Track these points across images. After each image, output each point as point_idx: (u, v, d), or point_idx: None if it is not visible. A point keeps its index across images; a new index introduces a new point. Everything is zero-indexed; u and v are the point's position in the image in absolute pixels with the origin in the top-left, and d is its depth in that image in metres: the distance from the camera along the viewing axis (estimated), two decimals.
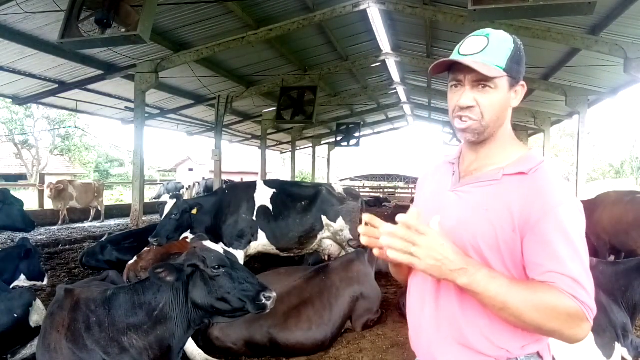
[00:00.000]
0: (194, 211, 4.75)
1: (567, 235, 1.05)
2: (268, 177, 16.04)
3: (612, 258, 5.64)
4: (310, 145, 22.01)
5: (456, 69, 1.16)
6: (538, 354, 1.16)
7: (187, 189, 17.14)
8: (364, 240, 1.14)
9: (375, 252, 1.16)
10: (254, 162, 25.21)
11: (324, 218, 5.15)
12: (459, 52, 1.16)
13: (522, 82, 1.19)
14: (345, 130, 17.91)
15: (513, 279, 1.07)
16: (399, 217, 1.07)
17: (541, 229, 1.06)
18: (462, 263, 1.03)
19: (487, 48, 1.13)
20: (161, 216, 4.72)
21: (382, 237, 1.05)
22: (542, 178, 1.12)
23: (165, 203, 4.80)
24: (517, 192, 1.11)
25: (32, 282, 4.21)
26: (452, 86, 1.19)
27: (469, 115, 1.16)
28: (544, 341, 1.17)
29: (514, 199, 1.11)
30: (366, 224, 1.13)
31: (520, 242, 1.09)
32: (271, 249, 5.13)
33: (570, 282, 1.02)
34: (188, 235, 4.97)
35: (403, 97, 18.04)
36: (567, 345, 2.57)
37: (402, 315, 4.21)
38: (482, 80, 1.13)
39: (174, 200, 4.76)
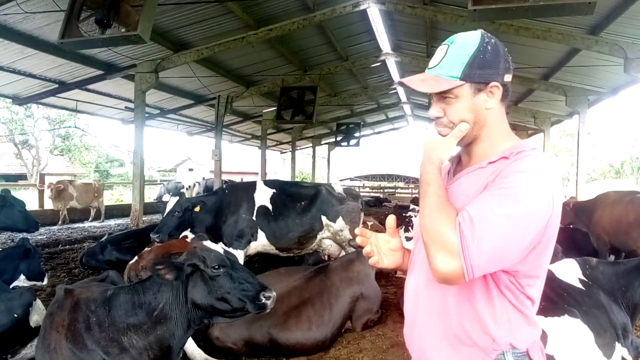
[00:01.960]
0: (197, 208, 4.77)
1: (504, 191, 1.03)
2: (268, 177, 16.05)
3: (612, 258, 5.64)
4: (310, 145, 22.02)
5: None
6: (527, 354, 1.15)
7: (187, 189, 17.13)
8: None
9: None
10: (254, 162, 25.21)
11: (323, 218, 5.14)
12: (428, 66, 1.22)
13: (495, 83, 1.16)
14: (345, 130, 17.93)
15: (444, 195, 1.11)
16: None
17: (490, 186, 1.08)
18: (432, 166, 1.15)
19: (442, 60, 1.17)
20: (162, 215, 4.74)
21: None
22: (520, 157, 1.10)
23: (167, 201, 4.82)
24: (494, 173, 1.11)
25: (32, 282, 4.20)
26: (429, 95, 1.26)
27: (442, 124, 1.21)
28: (533, 336, 1.18)
29: (488, 180, 1.11)
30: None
31: None
32: (271, 249, 5.13)
33: (466, 216, 1.01)
34: (188, 234, 4.97)
35: (403, 97, 18.06)
36: (567, 345, 2.57)
37: (402, 315, 4.21)
38: (441, 93, 1.17)
39: (177, 198, 4.78)
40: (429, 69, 1.20)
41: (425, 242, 1.07)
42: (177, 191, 6.46)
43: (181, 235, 4.94)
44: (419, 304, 1.25)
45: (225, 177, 14.36)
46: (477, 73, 1.14)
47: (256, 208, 5.02)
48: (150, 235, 4.58)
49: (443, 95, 1.18)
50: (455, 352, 1.16)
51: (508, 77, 1.18)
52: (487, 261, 1.00)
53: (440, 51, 1.19)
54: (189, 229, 4.90)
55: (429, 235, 1.06)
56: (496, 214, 1.00)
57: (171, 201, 4.74)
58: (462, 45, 1.16)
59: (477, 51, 1.14)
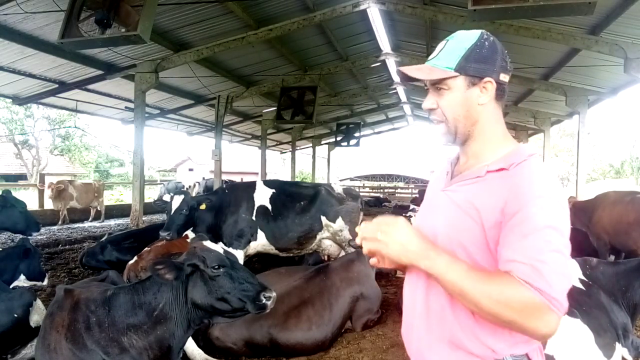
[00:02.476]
0: (203, 206, 4.79)
1: (537, 226, 1.02)
2: (268, 177, 16.05)
3: (612, 258, 5.64)
4: (310, 145, 22.01)
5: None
6: (527, 356, 1.13)
7: (187, 189, 17.13)
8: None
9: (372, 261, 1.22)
10: (254, 162, 25.20)
11: (323, 218, 5.14)
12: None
13: (489, 79, 1.16)
14: (345, 130, 17.91)
15: (474, 268, 1.05)
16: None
17: (514, 221, 1.05)
18: (424, 248, 1.07)
19: (441, 52, 1.19)
20: (167, 213, 4.75)
21: (358, 237, 1.15)
22: (523, 172, 1.10)
23: (172, 198, 4.83)
24: (498, 188, 1.10)
25: (32, 282, 4.20)
26: (426, 90, 1.27)
27: (435, 117, 1.22)
28: (533, 343, 1.15)
29: (494, 196, 1.10)
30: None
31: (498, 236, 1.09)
32: (270, 249, 5.13)
33: (527, 270, 0.98)
34: (189, 233, 4.98)
35: (403, 97, 18.05)
36: (567, 345, 2.57)
37: (402, 316, 4.21)
38: (435, 84, 1.19)
39: (182, 196, 4.80)
40: (427, 61, 1.22)
41: (510, 321, 0.99)
42: (179, 190, 6.54)
43: (182, 235, 4.94)
44: (417, 306, 1.24)
45: (225, 177, 14.35)
46: (473, 67, 1.16)
47: (256, 208, 5.02)
48: (160, 232, 4.61)
49: (437, 87, 1.19)
50: (454, 353, 1.16)
51: (504, 77, 1.19)
52: (564, 297, 1.01)
53: (439, 45, 1.22)
54: (191, 228, 4.91)
55: (512, 310, 0.98)
56: (548, 251, 1.00)
57: (176, 199, 4.76)
58: (461, 39, 1.18)
59: (475, 45, 1.16)
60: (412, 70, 1.19)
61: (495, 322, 1.04)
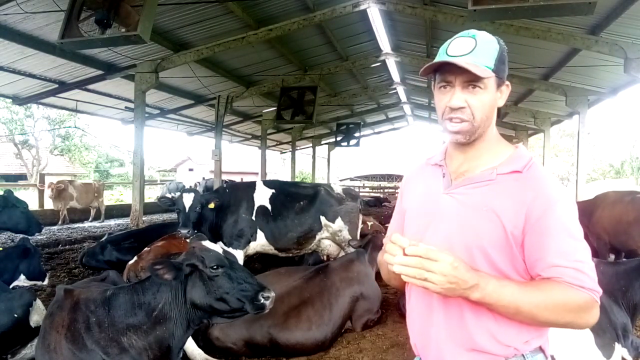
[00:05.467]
0: (212, 205, 4.81)
1: (567, 229, 1.10)
2: (268, 177, 16.05)
3: (612, 258, 5.64)
4: (310, 145, 22.02)
5: (446, 70, 1.16)
6: (540, 348, 1.18)
7: (195, 186, 17.13)
8: (387, 259, 1.07)
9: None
10: (254, 162, 25.20)
11: (322, 218, 5.14)
12: (447, 54, 1.16)
13: (507, 82, 1.22)
14: (345, 130, 17.92)
15: (521, 283, 1.10)
16: (396, 238, 1.05)
17: (542, 226, 1.10)
18: (474, 279, 1.03)
19: (475, 49, 1.14)
20: (182, 210, 4.75)
21: (395, 266, 1.03)
22: (537, 176, 1.15)
23: (180, 196, 4.85)
24: (514, 190, 1.14)
25: (32, 282, 4.20)
26: (440, 87, 1.20)
27: (460, 116, 1.17)
28: (544, 335, 1.20)
29: (513, 197, 1.13)
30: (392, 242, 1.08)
31: (522, 239, 1.12)
32: (270, 249, 5.13)
33: (574, 273, 1.07)
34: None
35: (403, 97, 18.06)
36: (567, 345, 2.57)
37: (402, 316, 4.21)
38: (472, 81, 1.14)
39: (192, 194, 4.82)
40: (453, 56, 1.14)
41: (567, 322, 1.09)
42: (188, 188, 6.66)
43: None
44: (433, 313, 1.22)
45: (225, 177, 14.36)
46: (502, 68, 1.18)
47: (255, 208, 5.02)
48: (180, 230, 4.66)
49: (474, 84, 1.14)
50: (477, 356, 1.17)
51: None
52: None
53: (465, 41, 1.16)
54: None
55: (569, 313, 1.07)
56: (581, 250, 1.10)
57: (187, 197, 4.77)
58: (488, 39, 1.18)
59: (500, 47, 1.18)
60: (463, 63, 1.10)
61: (549, 326, 1.13)
